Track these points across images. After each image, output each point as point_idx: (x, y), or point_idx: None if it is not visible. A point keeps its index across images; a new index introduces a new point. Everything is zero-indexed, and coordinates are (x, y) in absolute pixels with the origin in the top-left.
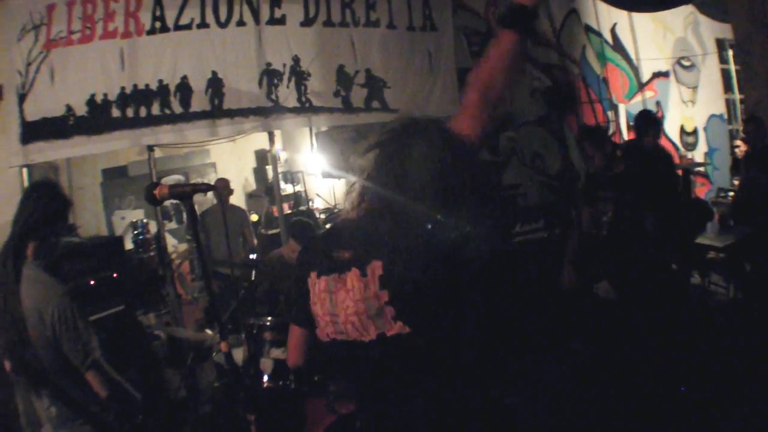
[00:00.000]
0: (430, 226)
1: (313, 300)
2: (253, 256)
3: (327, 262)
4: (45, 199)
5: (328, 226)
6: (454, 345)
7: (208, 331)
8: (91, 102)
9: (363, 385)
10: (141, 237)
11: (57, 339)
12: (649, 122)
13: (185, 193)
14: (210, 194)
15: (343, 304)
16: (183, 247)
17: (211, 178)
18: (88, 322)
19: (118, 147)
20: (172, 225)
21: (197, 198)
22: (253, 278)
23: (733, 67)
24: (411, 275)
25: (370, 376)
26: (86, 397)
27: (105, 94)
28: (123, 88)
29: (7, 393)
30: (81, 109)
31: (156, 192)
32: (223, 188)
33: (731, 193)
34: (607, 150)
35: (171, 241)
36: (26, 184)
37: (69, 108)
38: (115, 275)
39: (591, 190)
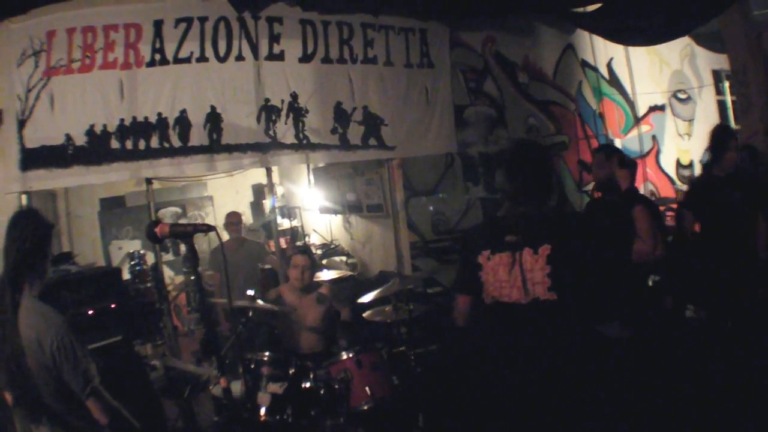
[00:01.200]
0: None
1: (486, 271)
2: (251, 293)
3: (499, 244)
4: (30, 228)
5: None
6: (580, 309)
7: (205, 365)
8: (90, 132)
9: (512, 332)
10: (138, 268)
11: (57, 368)
12: (729, 134)
13: (186, 233)
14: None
15: (514, 274)
16: (180, 279)
17: (208, 212)
18: (86, 350)
19: (117, 179)
20: (169, 257)
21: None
22: (250, 314)
23: (729, 99)
24: (568, 258)
25: (520, 326)
26: (87, 424)
27: (104, 125)
28: (122, 120)
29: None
30: (80, 139)
31: (157, 230)
32: (231, 223)
33: None
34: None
35: (168, 273)
36: None
37: (69, 137)
38: (113, 305)
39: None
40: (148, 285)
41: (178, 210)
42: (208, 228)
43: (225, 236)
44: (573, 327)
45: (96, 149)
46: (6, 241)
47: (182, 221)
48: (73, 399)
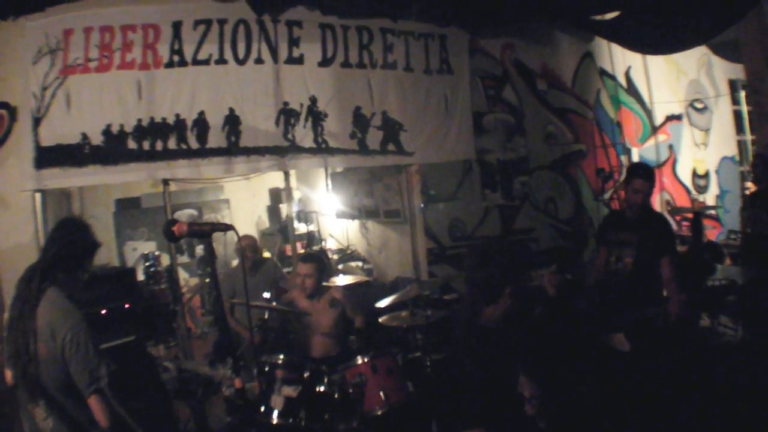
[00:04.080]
0: None
1: None
2: (266, 295)
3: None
4: (77, 237)
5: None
6: None
7: (218, 367)
8: (107, 132)
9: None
10: (152, 269)
11: (65, 361)
12: None
13: (204, 232)
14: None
15: None
16: (194, 281)
17: (224, 215)
18: (99, 351)
19: (134, 179)
20: (184, 259)
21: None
22: (266, 317)
23: (745, 108)
24: None
25: None
26: (86, 419)
27: (121, 125)
28: (139, 120)
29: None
30: (97, 138)
31: (175, 229)
32: (247, 246)
33: (740, 235)
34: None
35: (182, 275)
36: (39, 208)
37: (85, 136)
38: (126, 305)
39: (609, 231)
40: (162, 286)
41: (194, 212)
42: (227, 227)
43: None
44: None
45: (112, 149)
46: (49, 237)
47: None
48: (77, 394)
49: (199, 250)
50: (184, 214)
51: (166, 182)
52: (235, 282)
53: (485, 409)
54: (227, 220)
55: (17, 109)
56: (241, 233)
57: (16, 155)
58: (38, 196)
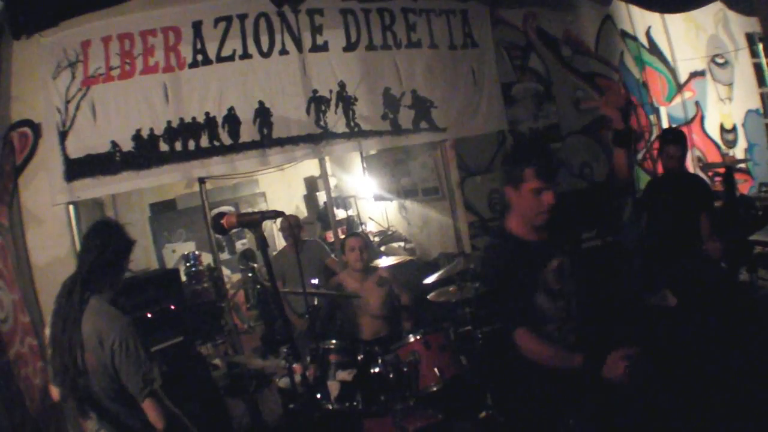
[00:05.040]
0: None
1: None
2: (314, 281)
3: None
4: (112, 239)
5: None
6: None
7: (270, 359)
8: (137, 137)
9: None
10: (194, 269)
11: (116, 367)
12: None
13: (254, 221)
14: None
15: None
16: (236, 277)
17: (261, 208)
18: (149, 353)
19: (168, 181)
20: (225, 255)
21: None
22: (315, 303)
23: (764, 61)
24: None
25: None
26: (142, 426)
27: (151, 129)
28: (169, 122)
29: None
30: (127, 145)
31: (224, 222)
32: (294, 226)
33: None
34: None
35: (225, 272)
36: (74, 220)
37: (114, 144)
38: (172, 307)
39: (653, 195)
40: (205, 285)
41: (231, 209)
42: (276, 214)
43: (282, 242)
44: None
45: (144, 153)
46: (83, 246)
47: None
48: (130, 400)
49: (239, 245)
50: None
51: (202, 181)
52: (284, 265)
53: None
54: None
55: (41, 126)
56: (280, 238)
57: (45, 170)
58: (71, 208)
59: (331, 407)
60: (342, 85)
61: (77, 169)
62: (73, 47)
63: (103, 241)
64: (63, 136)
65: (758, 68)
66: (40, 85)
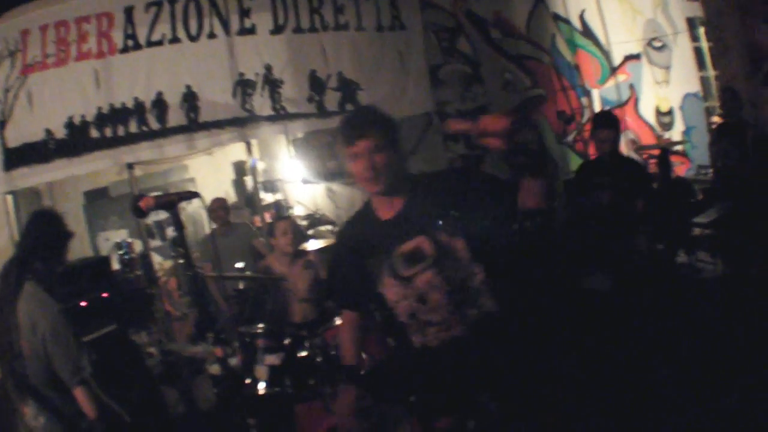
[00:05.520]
0: None
1: None
2: (240, 265)
3: None
4: (50, 228)
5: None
6: None
7: (201, 345)
8: (69, 124)
9: None
10: (126, 257)
11: (48, 354)
12: None
13: (171, 202)
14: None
15: None
16: (168, 263)
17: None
18: (79, 341)
19: (99, 167)
20: (157, 242)
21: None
22: (241, 287)
23: (705, 45)
24: None
25: None
26: (74, 412)
27: (83, 116)
28: (100, 108)
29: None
30: (60, 132)
31: (142, 204)
32: (218, 208)
33: (711, 170)
34: None
35: (156, 259)
36: (11, 210)
37: (48, 132)
38: (105, 295)
39: (585, 178)
40: (138, 273)
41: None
42: (192, 195)
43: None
44: None
45: (76, 140)
46: (23, 232)
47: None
48: (63, 388)
49: (171, 232)
50: None
51: (131, 167)
52: (212, 248)
53: None
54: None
55: None
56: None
57: None
58: (10, 198)
59: (260, 392)
60: (268, 68)
61: (15, 157)
62: (14, 36)
63: (42, 229)
64: (1, 126)
65: (698, 52)
66: None
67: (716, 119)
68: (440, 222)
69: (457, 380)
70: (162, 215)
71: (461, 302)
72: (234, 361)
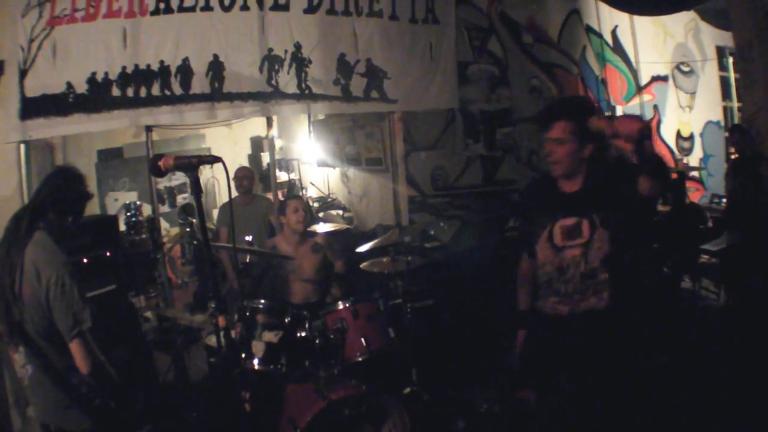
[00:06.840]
0: None
1: None
2: (248, 238)
3: None
4: (71, 184)
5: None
6: None
7: (198, 316)
8: (91, 80)
9: None
10: (134, 219)
11: (49, 303)
12: None
13: (191, 164)
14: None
15: None
16: (175, 230)
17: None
18: (83, 294)
19: (117, 126)
20: (165, 208)
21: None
22: (247, 260)
23: (732, 75)
24: None
25: None
26: (66, 367)
27: (106, 73)
28: (124, 68)
29: None
30: (81, 87)
31: (161, 163)
32: (243, 178)
33: (724, 200)
34: None
35: (163, 225)
36: (23, 161)
37: (69, 85)
38: (108, 254)
39: None
40: (144, 236)
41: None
42: (214, 159)
43: (224, 196)
44: None
45: (96, 97)
46: (42, 182)
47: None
48: (58, 340)
49: (180, 199)
50: None
51: (149, 129)
52: (229, 215)
53: None
54: (208, 169)
55: (5, 63)
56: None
57: (3, 108)
58: (22, 147)
59: (254, 367)
60: (298, 46)
61: (32, 107)
62: None
63: (62, 183)
64: (23, 74)
65: (725, 82)
66: (9, 24)
67: (734, 151)
68: (602, 210)
69: (560, 354)
70: (175, 182)
71: (588, 288)
72: (232, 334)
